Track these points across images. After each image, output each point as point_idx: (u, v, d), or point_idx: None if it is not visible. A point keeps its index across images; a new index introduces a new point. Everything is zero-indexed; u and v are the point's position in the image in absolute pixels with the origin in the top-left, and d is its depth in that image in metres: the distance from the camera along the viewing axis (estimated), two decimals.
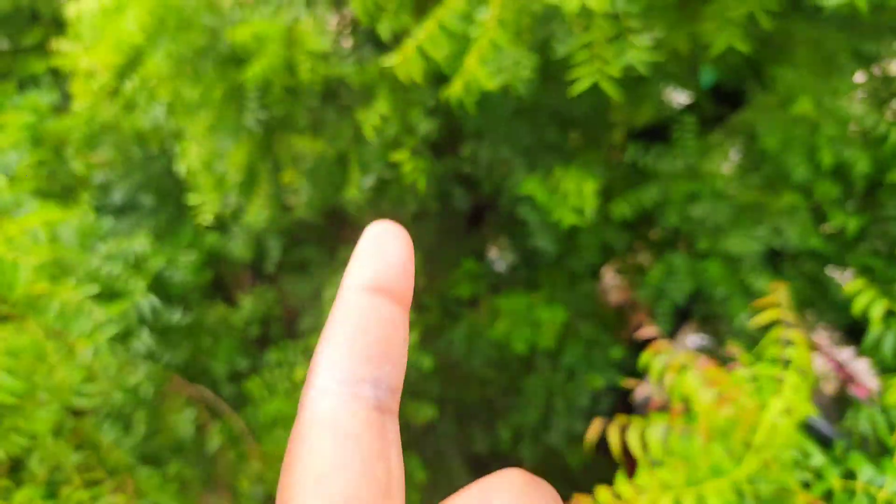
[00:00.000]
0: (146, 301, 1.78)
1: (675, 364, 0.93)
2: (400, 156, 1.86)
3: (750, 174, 2.42)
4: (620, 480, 1.02)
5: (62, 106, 2.48)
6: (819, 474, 1.10)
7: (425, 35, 1.23)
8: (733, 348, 1.03)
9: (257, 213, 1.85)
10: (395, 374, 0.28)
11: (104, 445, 1.63)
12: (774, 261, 2.46)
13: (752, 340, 2.38)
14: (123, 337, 1.74)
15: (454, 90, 1.34)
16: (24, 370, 1.58)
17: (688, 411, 0.96)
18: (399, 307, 0.28)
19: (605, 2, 1.26)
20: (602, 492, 0.97)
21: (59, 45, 2.20)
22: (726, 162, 2.42)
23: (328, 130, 1.87)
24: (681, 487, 0.88)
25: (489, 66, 1.32)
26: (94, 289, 1.72)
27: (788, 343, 0.93)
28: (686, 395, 0.90)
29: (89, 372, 1.67)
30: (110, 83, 2.02)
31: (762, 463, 0.93)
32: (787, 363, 0.93)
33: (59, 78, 2.85)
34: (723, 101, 3.05)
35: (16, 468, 1.58)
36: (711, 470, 0.86)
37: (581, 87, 1.36)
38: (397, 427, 0.28)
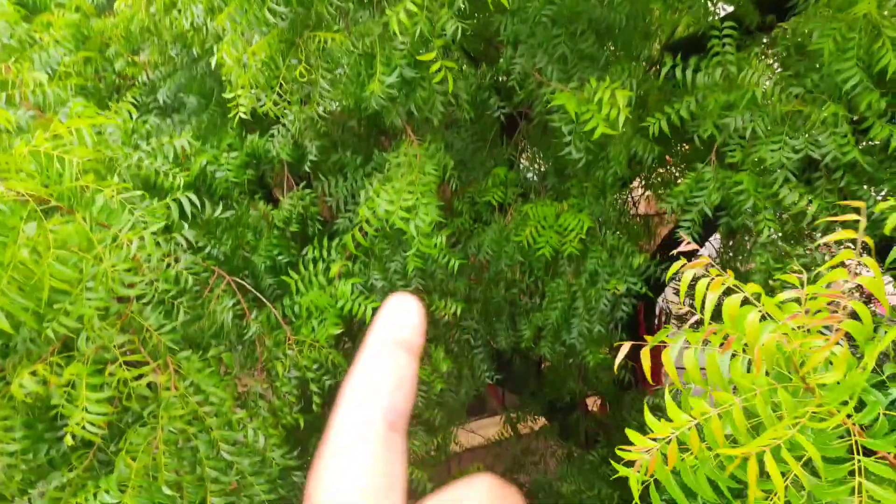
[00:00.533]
0: (187, 197, 1.61)
1: (717, 283, 0.69)
2: (428, 56, 1.59)
3: (791, 85, 2.04)
4: (671, 405, 0.79)
5: (107, 6, 2.24)
6: (861, 400, 0.88)
7: None
8: (793, 271, 0.78)
9: (288, 108, 1.63)
10: (405, 403, 0.32)
11: (147, 329, 1.51)
12: (807, 173, 2.12)
13: (778, 254, 2.09)
14: (165, 229, 1.58)
15: None
16: (73, 258, 1.45)
17: (722, 331, 0.73)
18: (411, 356, 0.33)
19: None
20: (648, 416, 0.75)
21: None
22: (766, 73, 2.03)
23: (358, 29, 1.60)
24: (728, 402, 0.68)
25: None
26: (137, 188, 1.56)
27: (859, 268, 0.69)
28: (729, 315, 0.67)
29: (133, 262, 1.54)
30: None
31: (810, 390, 0.71)
32: (852, 291, 0.69)
33: None
34: (766, 11, 2.60)
35: (67, 348, 1.49)
36: (762, 395, 0.65)
37: None
38: (405, 442, 0.31)
